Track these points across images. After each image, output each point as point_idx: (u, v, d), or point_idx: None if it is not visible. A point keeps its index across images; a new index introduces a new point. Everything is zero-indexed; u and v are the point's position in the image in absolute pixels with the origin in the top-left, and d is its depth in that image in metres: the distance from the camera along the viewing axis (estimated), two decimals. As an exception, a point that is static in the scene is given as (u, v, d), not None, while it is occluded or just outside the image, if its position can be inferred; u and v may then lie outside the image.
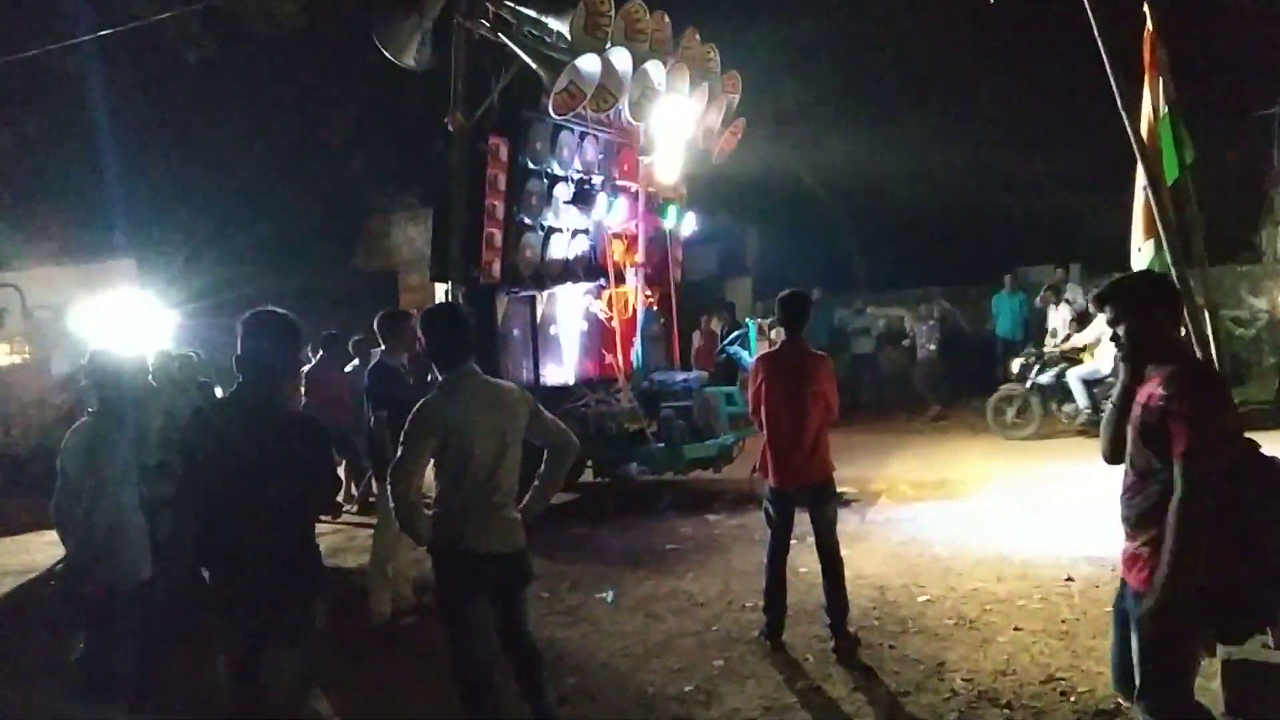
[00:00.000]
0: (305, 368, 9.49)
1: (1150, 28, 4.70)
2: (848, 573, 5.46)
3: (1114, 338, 3.23)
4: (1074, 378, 11.63)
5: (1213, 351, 4.35)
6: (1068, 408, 11.72)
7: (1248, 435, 3.14)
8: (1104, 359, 11.20)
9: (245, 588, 3.52)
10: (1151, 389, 3.08)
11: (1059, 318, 13.14)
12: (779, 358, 5.57)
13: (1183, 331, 3.70)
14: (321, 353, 9.67)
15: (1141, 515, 3.14)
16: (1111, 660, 3.44)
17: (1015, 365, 12.35)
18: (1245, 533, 2.97)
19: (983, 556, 6.90)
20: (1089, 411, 11.41)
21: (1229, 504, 2.94)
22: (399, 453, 3.77)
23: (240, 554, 3.52)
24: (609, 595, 6.58)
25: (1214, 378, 3.15)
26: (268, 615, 3.52)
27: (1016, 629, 5.46)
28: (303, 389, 9.37)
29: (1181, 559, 2.94)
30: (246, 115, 16.18)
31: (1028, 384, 11.96)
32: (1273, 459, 3.10)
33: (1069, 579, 6.24)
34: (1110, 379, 11.34)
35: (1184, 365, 3.10)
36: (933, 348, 14.57)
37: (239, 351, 3.62)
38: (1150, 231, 4.63)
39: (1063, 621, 5.52)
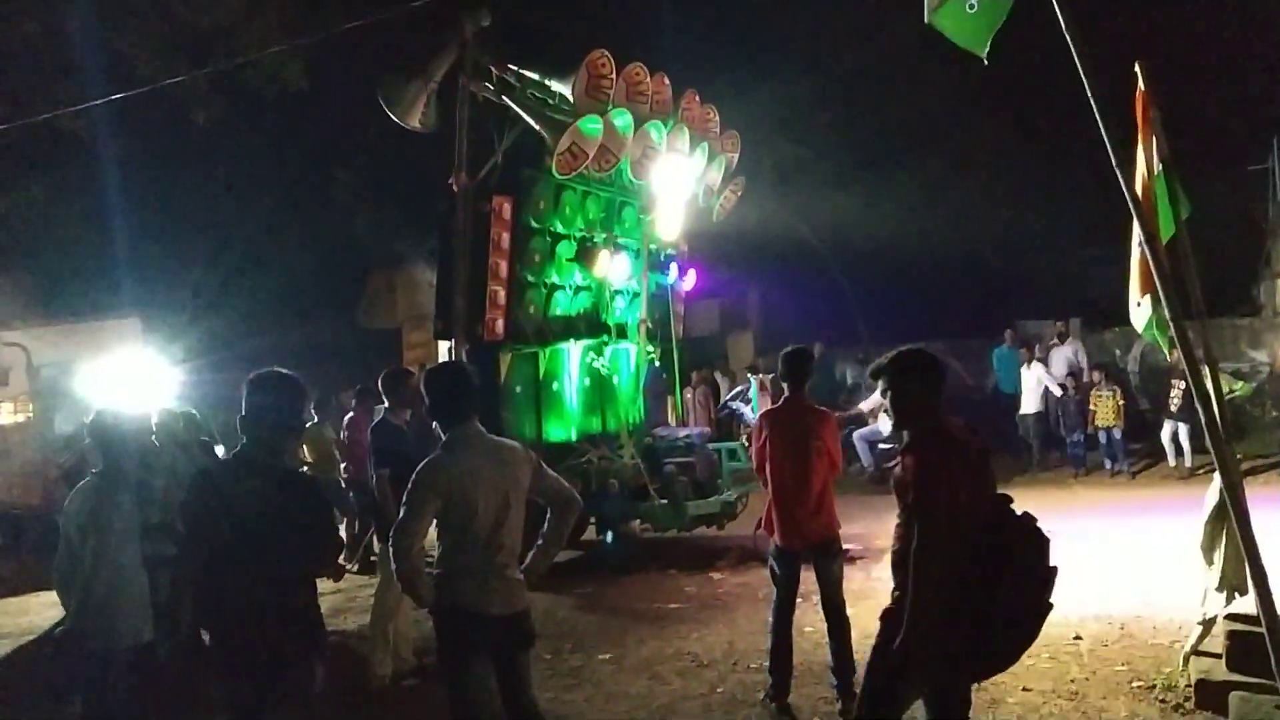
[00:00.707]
0: (345, 417, 9.78)
1: (1142, 87, 4.79)
2: (854, 631, 5.40)
3: (886, 408, 3.72)
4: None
5: (1214, 405, 4.35)
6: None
7: (1002, 491, 3.50)
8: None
9: (246, 649, 3.49)
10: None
11: (1032, 376, 13.49)
12: (782, 414, 5.57)
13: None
14: (355, 405, 9.71)
15: (894, 566, 3.57)
16: None
17: None
18: (989, 582, 3.27)
19: (990, 614, 6.81)
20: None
21: (970, 556, 3.29)
22: (402, 512, 3.76)
23: (241, 615, 3.49)
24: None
25: (937, 444, 3.45)
26: (269, 677, 3.49)
27: (1025, 689, 5.38)
28: (344, 435, 9.56)
29: (920, 600, 3.35)
30: (252, 174, 16.40)
31: None
32: (1024, 515, 3.42)
33: (1077, 637, 6.16)
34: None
35: (920, 432, 3.52)
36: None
37: (244, 411, 3.62)
38: (1148, 287, 4.67)
39: (1071, 681, 5.45)
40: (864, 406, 12.66)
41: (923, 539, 3.35)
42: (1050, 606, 3.39)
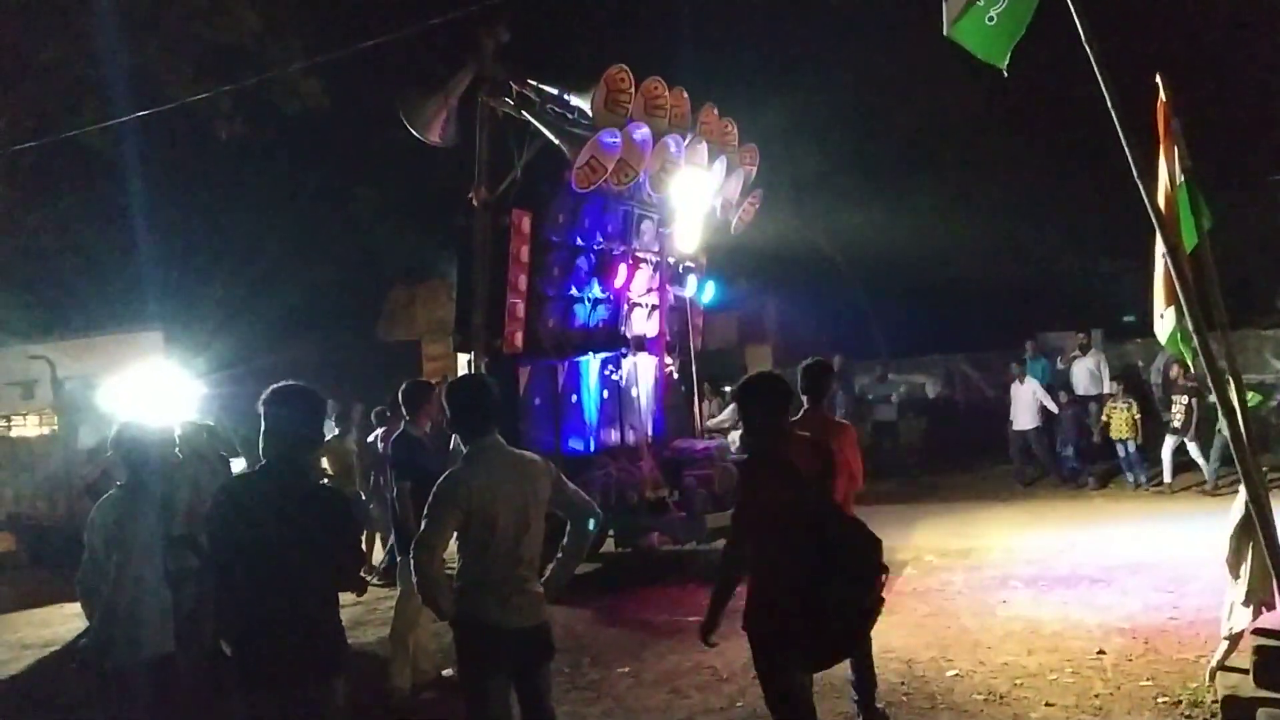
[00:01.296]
0: (379, 430, 9.72)
1: (1163, 97, 4.77)
2: (874, 646, 5.35)
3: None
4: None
5: (1238, 418, 4.31)
6: None
7: (838, 504, 4.07)
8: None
9: (268, 663, 3.50)
10: None
11: (1026, 391, 13.33)
12: (801, 427, 5.54)
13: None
14: (389, 419, 9.68)
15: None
16: None
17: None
18: (817, 578, 3.65)
19: (1012, 628, 6.77)
20: None
21: (797, 557, 3.67)
22: (423, 525, 3.77)
23: (263, 628, 3.51)
24: None
25: (761, 463, 3.96)
26: (290, 691, 3.50)
27: (1048, 704, 5.33)
28: (381, 449, 9.53)
29: (718, 591, 4.00)
30: (274, 190, 16.57)
31: None
32: (853, 520, 3.94)
33: (1101, 651, 6.10)
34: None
35: (754, 450, 4.03)
36: None
37: (264, 426, 3.64)
38: (1171, 298, 4.64)
39: (1095, 696, 5.39)
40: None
41: (728, 541, 4.06)
42: (879, 600, 3.82)
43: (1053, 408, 13.28)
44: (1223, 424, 4.37)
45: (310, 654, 3.55)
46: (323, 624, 3.63)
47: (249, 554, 3.50)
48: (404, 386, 6.50)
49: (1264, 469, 6.04)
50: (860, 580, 3.74)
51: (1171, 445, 12.18)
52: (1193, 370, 10.38)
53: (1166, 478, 12.28)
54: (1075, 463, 13.25)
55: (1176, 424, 12.08)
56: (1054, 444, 13.54)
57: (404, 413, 6.49)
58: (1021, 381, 13.47)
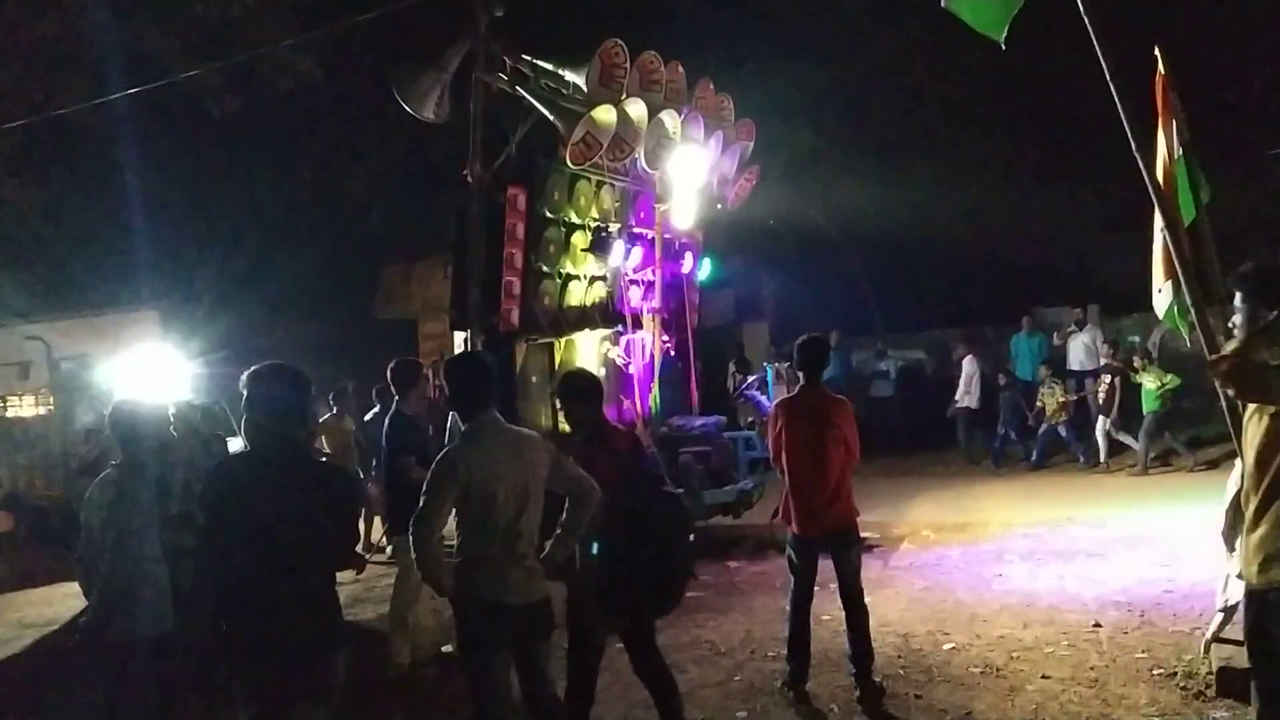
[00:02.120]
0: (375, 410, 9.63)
1: (1162, 71, 4.74)
2: (872, 620, 5.40)
3: None
4: None
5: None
6: None
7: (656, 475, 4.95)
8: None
9: (266, 641, 3.50)
10: None
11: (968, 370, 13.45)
12: (798, 403, 5.56)
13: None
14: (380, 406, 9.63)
15: None
16: None
17: None
18: (637, 543, 4.30)
19: (1008, 602, 6.81)
20: None
21: (624, 526, 4.29)
22: (421, 502, 3.77)
23: (261, 606, 3.51)
24: None
25: (588, 444, 4.52)
26: (290, 669, 3.51)
27: (1044, 677, 5.37)
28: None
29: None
30: (269, 168, 16.46)
31: None
32: (669, 495, 4.68)
33: (1097, 625, 6.14)
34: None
35: (580, 435, 4.69)
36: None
37: (258, 404, 3.62)
38: (1169, 273, 4.62)
39: (1091, 669, 5.43)
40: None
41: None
42: (690, 565, 4.55)
43: (971, 392, 13.38)
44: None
45: (309, 630, 3.55)
46: (320, 602, 3.63)
47: (246, 531, 3.50)
48: (392, 365, 6.48)
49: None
50: (656, 545, 4.33)
51: (1103, 425, 12.27)
52: (1188, 345, 10.38)
53: (1101, 457, 12.36)
54: (1016, 439, 13.31)
55: (1100, 401, 12.15)
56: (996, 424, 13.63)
57: (393, 391, 6.47)
58: (969, 360, 13.59)
